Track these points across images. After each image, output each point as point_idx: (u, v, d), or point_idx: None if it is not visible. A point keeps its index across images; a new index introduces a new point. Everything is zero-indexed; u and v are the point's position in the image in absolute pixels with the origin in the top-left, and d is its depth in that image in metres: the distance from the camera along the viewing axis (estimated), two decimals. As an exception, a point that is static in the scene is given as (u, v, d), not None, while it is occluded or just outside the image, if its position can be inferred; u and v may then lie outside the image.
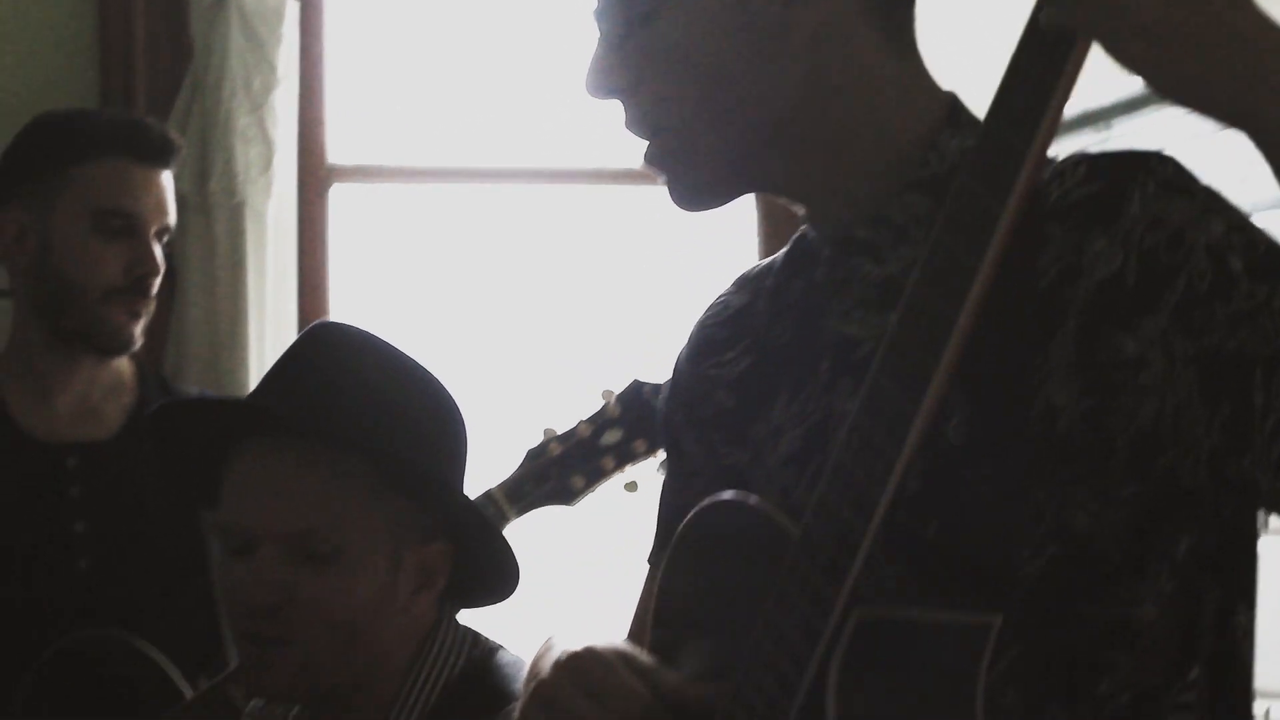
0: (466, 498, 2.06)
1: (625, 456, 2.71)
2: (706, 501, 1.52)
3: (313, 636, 1.98)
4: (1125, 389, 1.39)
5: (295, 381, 2.04)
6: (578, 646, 1.50)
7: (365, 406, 2.01)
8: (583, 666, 1.48)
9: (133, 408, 2.90)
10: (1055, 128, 1.26)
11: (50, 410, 2.86)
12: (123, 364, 2.92)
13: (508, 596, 2.14)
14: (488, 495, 2.67)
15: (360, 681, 2.03)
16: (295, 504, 1.97)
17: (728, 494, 1.51)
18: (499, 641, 2.13)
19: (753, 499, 1.46)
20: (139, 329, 2.84)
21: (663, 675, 1.48)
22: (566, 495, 2.72)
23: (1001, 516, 1.39)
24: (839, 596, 1.31)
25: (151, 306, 2.87)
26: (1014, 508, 1.39)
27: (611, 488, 2.74)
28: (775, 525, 1.42)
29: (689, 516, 1.52)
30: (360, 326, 2.10)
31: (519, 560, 2.08)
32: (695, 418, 1.65)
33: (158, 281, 2.86)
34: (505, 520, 2.68)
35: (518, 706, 1.57)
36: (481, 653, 2.10)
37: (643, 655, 1.50)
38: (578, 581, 3.31)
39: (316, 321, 2.16)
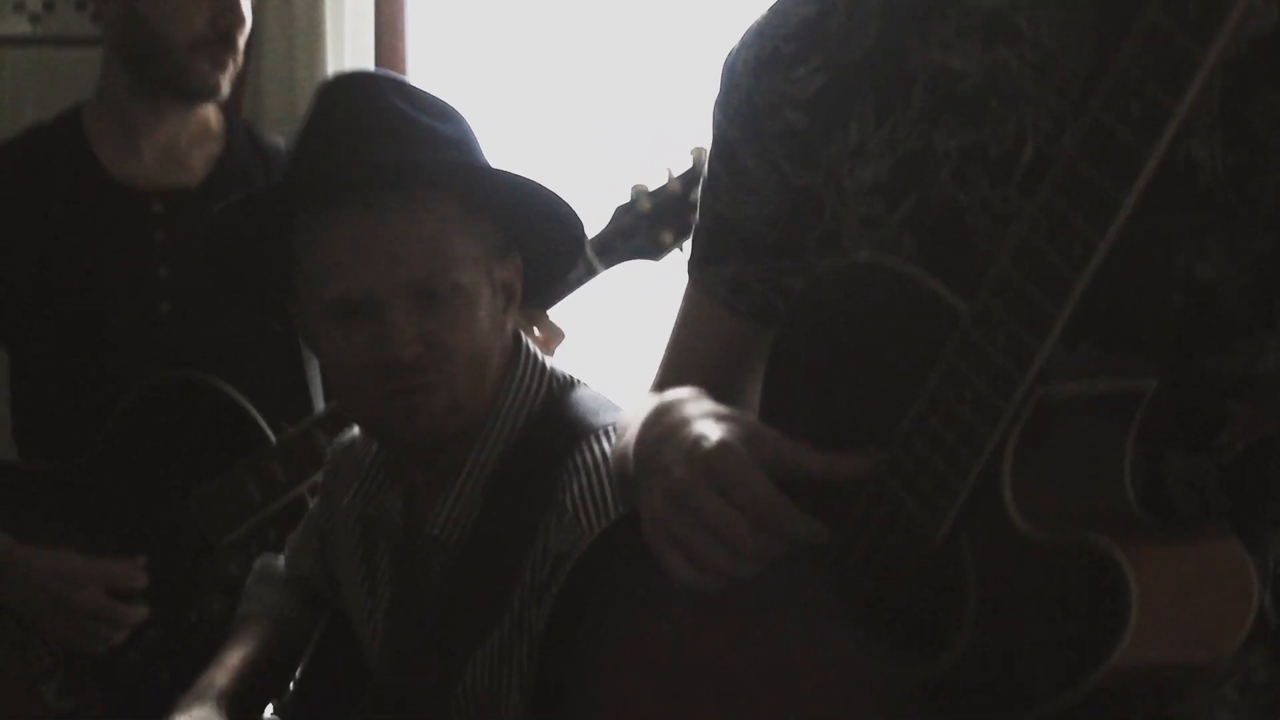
0: (542, 188, 2.08)
1: None
2: (840, 262, 1.49)
3: (456, 376, 2.03)
4: (1277, 148, 1.37)
5: (350, 139, 2.05)
6: (712, 438, 1.47)
7: (425, 140, 2.05)
8: (716, 460, 1.45)
9: (219, 156, 2.92)
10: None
11: (137, 157, 2.89)
12: (209, 113, 2.93)
13: (571, 285, 2.26)
14: None
15: (480, 411, 2.08)
16: (409, 253, 2.00)
17: (866, 257, 1.48)
18: (574, 375, 2.18)
19: (906, 265, 1.42)
20: (225, 79, 2.85)
21: (800, 453, 1.46)
22: (654, 250, 2.75)
23: (1135, 268, 1.39)
24: (1024, 378, 1.31)
25: (239, 58, 2.86)
26: (1145, 259, 1.39)
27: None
28: (933, 296, 1.39)
29: (817, 274, 1.49)
30: (359, 71, 2.11)
31: (581, 245, 2.16)
32: (758, 132, 1.61)
33: (244, 33, 2.86)
34: (593, 273, 2.71)
35: (648, 493, 1.54)
36: (560, 384, 2.14)
37: (771, 434, 1.48)
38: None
39: (320, 84, 2.15)
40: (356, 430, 2.30)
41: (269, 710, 2.30)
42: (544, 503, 2.03)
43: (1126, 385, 1.37)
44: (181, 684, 2.46)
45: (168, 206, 2.87)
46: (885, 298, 1.43)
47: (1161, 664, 1.32)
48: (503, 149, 3.17)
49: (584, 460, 2.04)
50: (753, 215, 1.63)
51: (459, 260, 2.02)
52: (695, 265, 1.70)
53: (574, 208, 2.12)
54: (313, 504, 2.41)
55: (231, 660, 2.33)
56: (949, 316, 1.36)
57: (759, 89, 1.60)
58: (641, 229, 2.74)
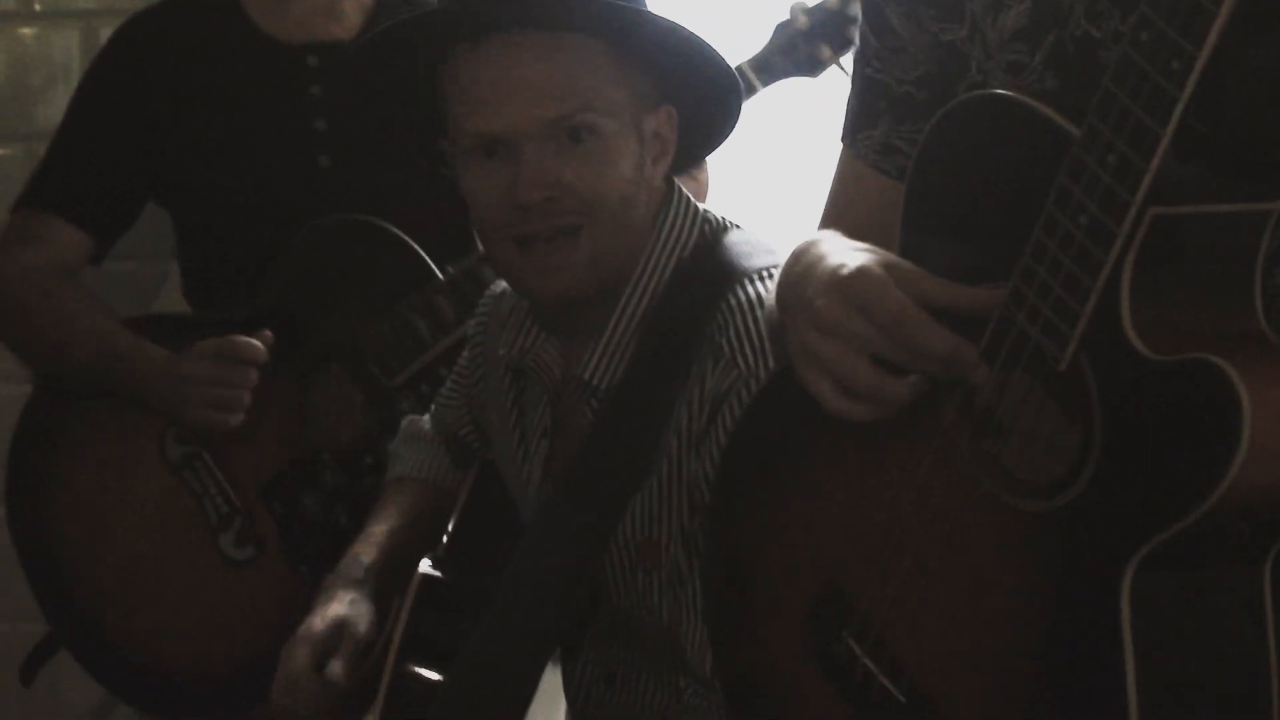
0: (699, 40, 2.07)
1: None
2: (961, 98, 1.51)
3: (593, 227, 2.03)
4: None
5: None
6: (851, 266, 1.50)
7: None
8: (856, 283, 1.49)
9: (371, 7, 2.92)
10: None
11: (288, 12, 2.91)
12: None
13: (725, 140, 2.19)
14: (736, 69, 2.70)
15: (625, 265, 2.09)
16: (548, 92, 2.01)
17: (985, 90, 1.51)
18: (729, 218, 2.17)
19: (1019, 94, 1.45)
20: None
21: (931, 283, 1.49)
22: (812, 66, 2.75)
23: (1273, 98, 1.38)
24: (1134, 198, 1.31)
25: None
26: None
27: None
28: (1047, 123, 1.41)
29: (940, 113, 1.52)
30: None
31: (740, 103, 2.13)
32: None
33: None
34: (753, 91, 2.74)
35: (793, 326, 1.56)
36: (713, 229, 2.14)
37: (905, 263, 1.51)
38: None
39: None
40: None
41: (424, 564, 2.34)
42: (699, 345, 2.04)
43: (1250, 207, 1.37)
44: (359, 528, 2.52)
45: (322, 60, 2.89)
46: (1003, 128, 1.45)
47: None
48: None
49: (740, 301, 2.04)
50: (901, 76, 1.67)
51: (600, 104, 2.02)
52: (847, 131, 1.74)
53: (729, 65, 2.10)
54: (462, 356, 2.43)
55: (377, 531, 2.37)
56: (1062, 141, 1.38)
57: None
58: (800, 45, 2.74)
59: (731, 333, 2.01)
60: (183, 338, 2.81)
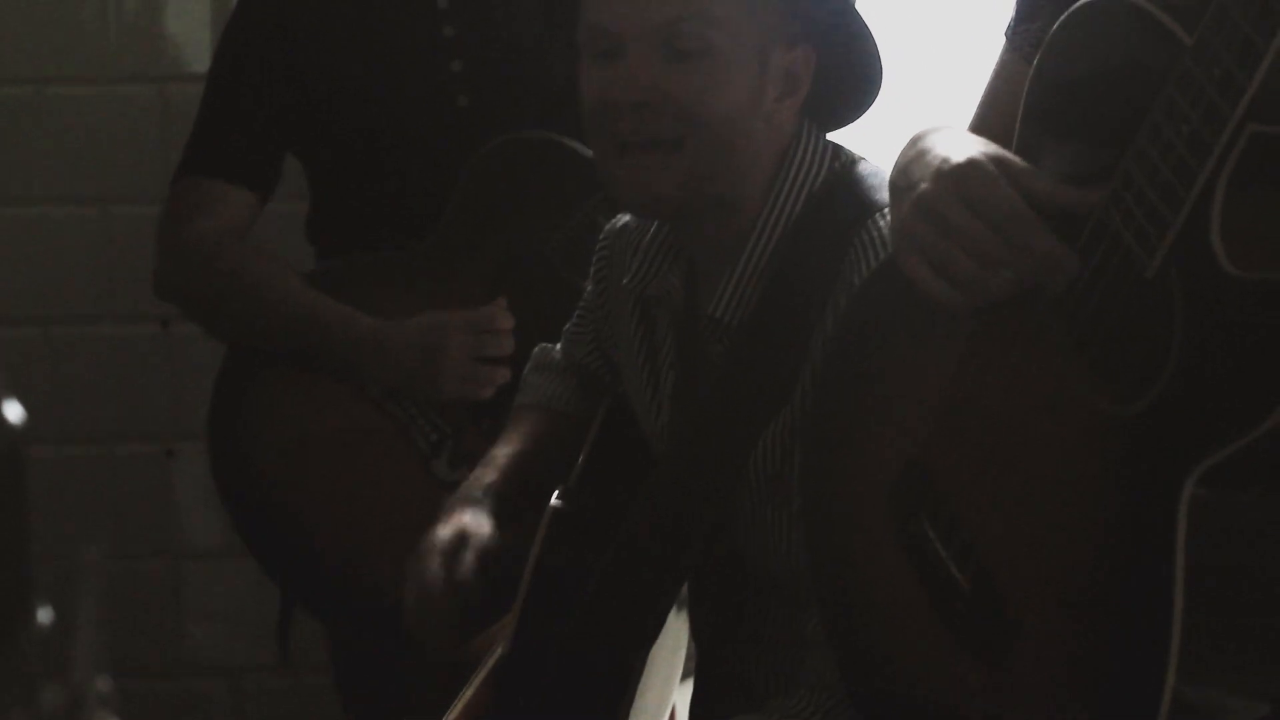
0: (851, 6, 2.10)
1: None
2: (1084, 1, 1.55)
3: (692, 143, 2.06)
4: None
5: None
6: (959, 156, 1.56)
7: None
8: (965, 175, 1.55)
9: None
10: None
11: None
12: None
13: (867, 108, 2.20)
14: None
15: (728, 194, 2.11)
16: None
17: None
18: (859, 153, 2.19)
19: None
20: None
21: (1037, 180, 1.54)
22: None
23: None
24: (1233, 113, 1.35)
25: None
26: None
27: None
28: (1162, 30, 1.44)
29: (1065, 15, 1.56)
30: None
31: (883, 65, 2.13)
32: None
33: None
34: None
35: (896, 209, 1.63)
36: (843, 164, 2.16)
37: (1015, 159, 1.57)
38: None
39: None
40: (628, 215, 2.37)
41: (554, 498, 2.38)
42: (832, 280, 2.06)
43: None
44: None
45: (454, 1, 2.91)
46: (1124, 32, 1.49)
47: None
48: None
49: (872, 237, 2.05)
50: None
51: (717, 20, 2.05)
52: (1010, 26, 1.80)
53: (874, 34, 2.11)
54: (586, 290, 2.49)
55: (499, 454, 2.42)
56: (1176, 50, 1.42)
57: None
58: None
59: (864, 268, 2.03)
60: (357, 280, 2.87)
